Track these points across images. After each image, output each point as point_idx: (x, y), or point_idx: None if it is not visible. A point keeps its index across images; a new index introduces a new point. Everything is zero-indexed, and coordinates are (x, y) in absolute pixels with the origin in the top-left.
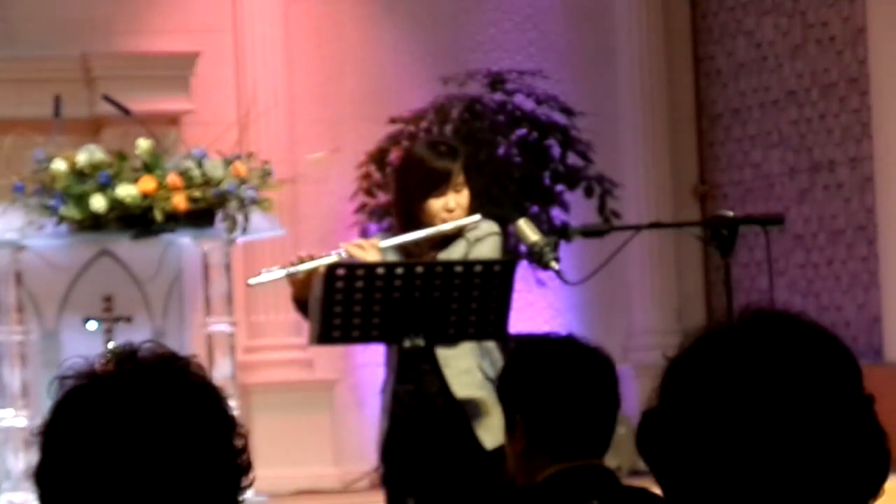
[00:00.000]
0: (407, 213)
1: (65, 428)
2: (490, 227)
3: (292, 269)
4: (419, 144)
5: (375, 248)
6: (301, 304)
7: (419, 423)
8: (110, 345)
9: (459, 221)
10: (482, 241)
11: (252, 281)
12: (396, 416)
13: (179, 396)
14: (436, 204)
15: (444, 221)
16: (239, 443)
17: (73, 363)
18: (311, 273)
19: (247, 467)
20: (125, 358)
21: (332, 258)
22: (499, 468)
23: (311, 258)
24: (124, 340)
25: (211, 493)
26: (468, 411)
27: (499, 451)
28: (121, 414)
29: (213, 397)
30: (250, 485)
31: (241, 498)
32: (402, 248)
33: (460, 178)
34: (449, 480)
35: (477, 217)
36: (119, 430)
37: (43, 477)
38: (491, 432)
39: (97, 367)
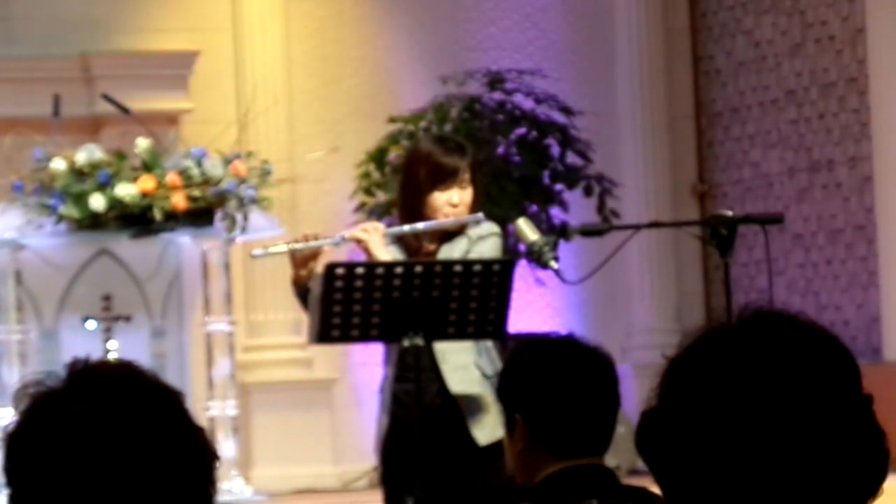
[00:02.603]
0: (410, 205)
1: (26, 439)
2: (491, 227)
3: (296, 246)
4: (428, 139)
5: (379, 232)
6: (299, 290)
7: (418, 423)
8: (110, 344)
9: (461, 218)
10: (484, 239)
11: (256, 252)
12: (395, 415)
13: (137, 400)
14: (440, 198)
15: (447, 216)
16: (204, 446)
17: (31, 378)
18: (313, 253)
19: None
20: (79, 368)
21: (335, 240)
22: (492, 465)
23: (316, 238)
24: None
25: (177, 496)
26: (463, 407)
27: (492, 447)
28: (79, 423)
29: (171, 401)
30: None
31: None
32: (402, 241)
33: (466, 176)
34: (445, 477)
35: (480, 216)
36: (79, 440)
37: (11, 482)
38: (485, 429)
39: (54, 378)
